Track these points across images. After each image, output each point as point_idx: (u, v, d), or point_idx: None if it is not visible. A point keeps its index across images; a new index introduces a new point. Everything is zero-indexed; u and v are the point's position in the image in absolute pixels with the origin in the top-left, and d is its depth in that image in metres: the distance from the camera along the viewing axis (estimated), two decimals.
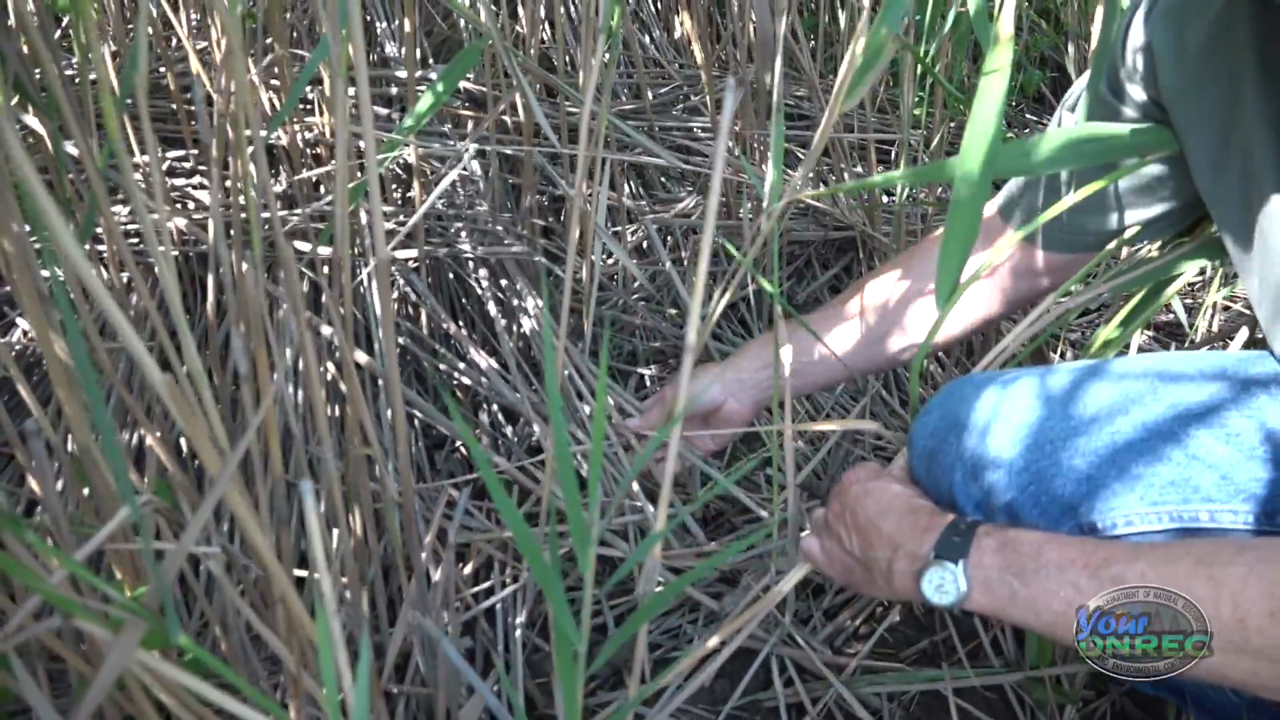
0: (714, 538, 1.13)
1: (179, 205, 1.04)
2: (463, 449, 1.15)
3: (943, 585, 0.66)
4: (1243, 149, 0.70)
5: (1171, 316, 1.50)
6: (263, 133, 0.64)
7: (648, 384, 1.31)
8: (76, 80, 1.02)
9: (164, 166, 1.07)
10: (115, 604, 0.45)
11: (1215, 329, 1.43)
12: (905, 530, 0.70)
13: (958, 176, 0.67)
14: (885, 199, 1.48)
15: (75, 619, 0.45)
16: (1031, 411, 0.72)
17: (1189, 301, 1.54)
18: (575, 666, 0.54)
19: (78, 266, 0.37)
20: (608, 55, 1.06)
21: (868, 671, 0.98)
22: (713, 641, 0.78)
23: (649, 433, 1.02)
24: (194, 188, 1.05)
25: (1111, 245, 0.86)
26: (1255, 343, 1.13)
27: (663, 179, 1.51)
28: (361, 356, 0.97)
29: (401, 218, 1.14)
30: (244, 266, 0.67)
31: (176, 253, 1.01)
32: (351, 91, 1.08)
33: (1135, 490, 0.68)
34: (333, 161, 1.09)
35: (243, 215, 0.78)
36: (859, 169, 1.53)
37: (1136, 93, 0.78)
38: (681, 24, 1.56)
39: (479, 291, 1.20)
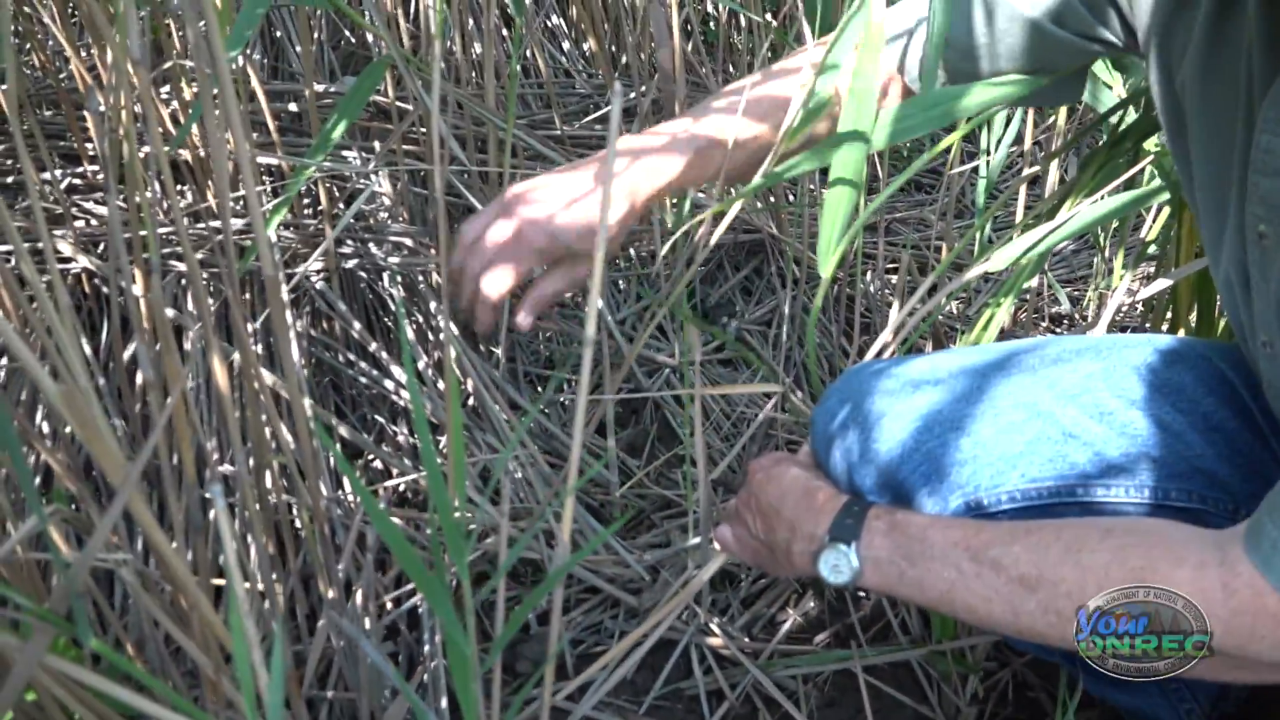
0: (633, 537, 1.15)
1: (79, 223, 1.03)
2: (379, 459, 1.16)
3: (838, 566, 0.70)
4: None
5: (1065, 308, 1.58)
6: (163, 150, 0.64)
7: (565, 387, 1.33)
8: None
9: (63, 184, 1.05)
10: (25, 611, 0.46)
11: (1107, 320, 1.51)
12: (802, 513, 0.73)
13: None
14: (789, 199, 1.53)
15: None
16: (921, 395, 0.76)
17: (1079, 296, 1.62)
18: (468, 668, 0.57)
19: None
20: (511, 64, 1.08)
21: (783, 656, 1.02)
22: (635, 634, 0.80)
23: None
24: (96, 203, 1.04)
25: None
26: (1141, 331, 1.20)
27: None
28: (268, 375, 0.97)
29: (318, 225, 1.15)
30: (142, 278, 0.67)
31: (80, 267, 1.00)
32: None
33: (1017, 468, 0.72)
34: (242, 186, 1.08)
35: (142, 234, 0.78)
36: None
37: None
38: (585, 35, 1.59)
39: (393, 304, 1.21)
